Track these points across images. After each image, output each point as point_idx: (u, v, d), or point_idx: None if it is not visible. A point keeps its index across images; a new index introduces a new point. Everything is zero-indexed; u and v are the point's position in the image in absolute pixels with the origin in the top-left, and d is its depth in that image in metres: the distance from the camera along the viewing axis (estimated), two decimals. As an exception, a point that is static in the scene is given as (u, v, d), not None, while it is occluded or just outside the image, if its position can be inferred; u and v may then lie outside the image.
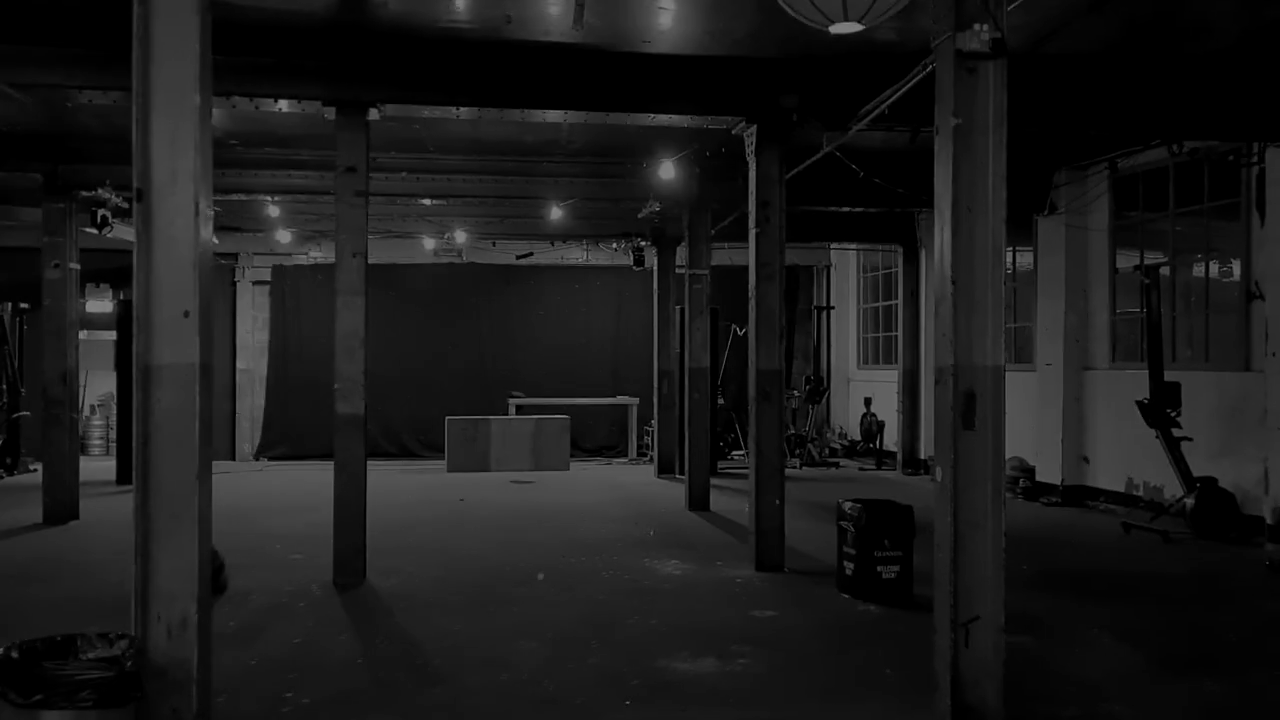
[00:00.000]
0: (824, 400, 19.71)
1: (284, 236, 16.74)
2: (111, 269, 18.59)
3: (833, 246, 19.71)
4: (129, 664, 4.10)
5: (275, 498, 13.98)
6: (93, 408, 20.29)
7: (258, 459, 18.85)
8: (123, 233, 12.66)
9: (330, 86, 8.14)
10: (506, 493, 14.57)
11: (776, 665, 6.22)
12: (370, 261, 20.55)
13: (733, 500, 13.25)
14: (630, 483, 15.67)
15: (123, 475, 15.26)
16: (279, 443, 18.96)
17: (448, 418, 17.36)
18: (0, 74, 7.88)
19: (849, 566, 7.94)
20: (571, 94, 8.54)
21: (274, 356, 19.10)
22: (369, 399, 20.44)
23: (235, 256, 18.95)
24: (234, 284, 19.01)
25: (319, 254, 19.19)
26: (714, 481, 14.72)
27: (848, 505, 8.04)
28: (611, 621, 7.25)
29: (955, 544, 4.94)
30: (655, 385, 16.56)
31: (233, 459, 18.79)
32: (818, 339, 20.27)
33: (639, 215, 13.29)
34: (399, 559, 9.46)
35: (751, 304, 9.02)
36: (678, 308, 15.24)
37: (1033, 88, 7.91)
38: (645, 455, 18.39)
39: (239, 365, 19.00)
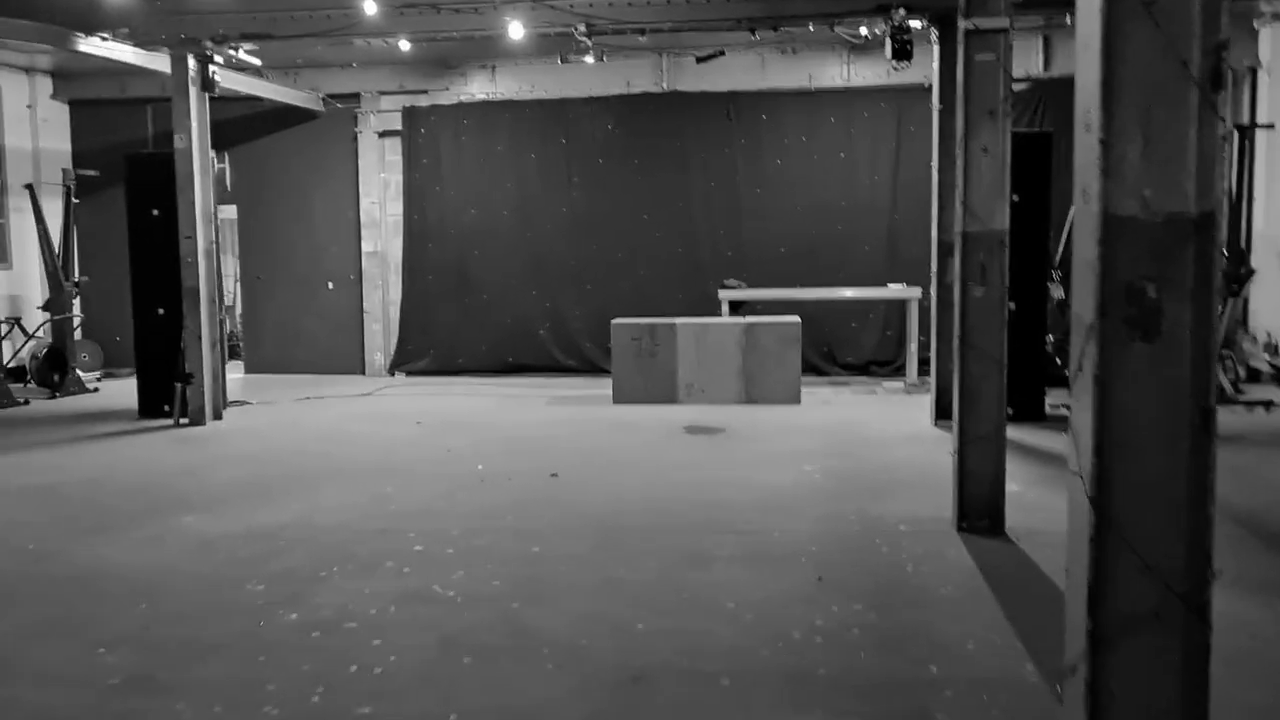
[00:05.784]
0: (1245, 289, 11.89)
1: (404, 45, 10.72)
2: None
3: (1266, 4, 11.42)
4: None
5: (346, 444, 8.94)
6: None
7: (393, 373, 14.03)
8: None
9: None
10: (657, 453, 8.62)
11: None
12: (527, 96, 13.32)
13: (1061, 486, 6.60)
14: (882, 438, 9.17)
15: (147, 405, 10.82)
16: (420, 353, 13.98)
17: (614, 322, 11.53)
18: None
19: None
20: None
21: (410, 235, 13.98)
22: (538, 292, 14.11)
23: (356, 98, 13.91)
24: (355, 136, 14.01)
25: (468, 88, 13.74)
26: (1029, 440, 8.11)
27: None
28: None
29: None
30: (934, 267, 9.82)
31: (362, 373, 14.10)
32: (1238, 186, 12.30)
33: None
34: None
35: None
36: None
37: None
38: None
39: (365, 248, 14.10)
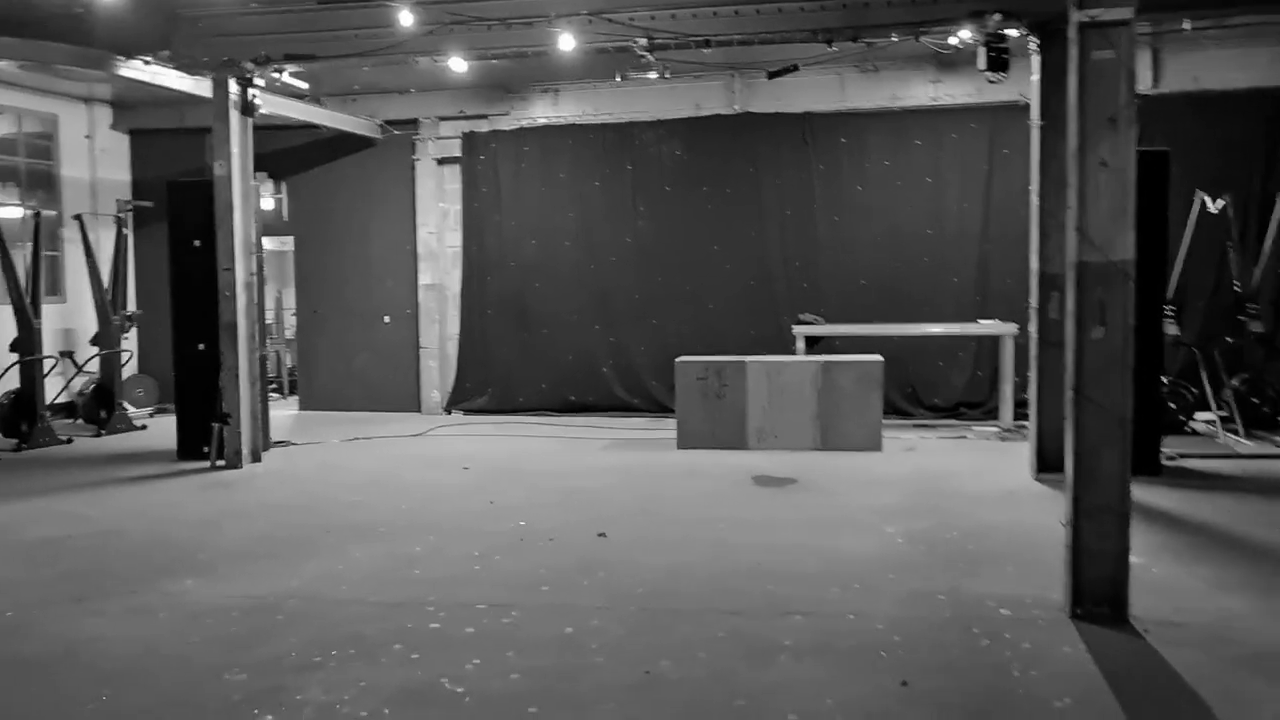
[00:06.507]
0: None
1: (458, 66, 9.95)
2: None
3: None
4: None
5: (385, 492, 8.18)
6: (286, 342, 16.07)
7: (449, 412, 13.38)
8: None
9: None
10: (719, 509, 7.70)
11: None
12: (590, 120, 11.74)
13: (1203, 560, 5.58)
14: (975, 494, 8.15)
15: (186, 446, 10.28)
16: (478, 391, 13.31)
17: (678, 360, 10.70)
18: None
19: None
20: None
21: (468, 267, 13.35)
22: (601, 327, 12.31)
23: (414, 125, 13.37)
24: (413, 164, 13.46)
25: (530, 112, 13.11)
26: (1146, 499, 7.08)
27: None
28: None
29: None
30: (1033, 301, 8.80)
31: (418, 410, 13.47)
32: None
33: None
34: None
35: None
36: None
37: None
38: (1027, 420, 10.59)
39: (422, 280, 13.50)
